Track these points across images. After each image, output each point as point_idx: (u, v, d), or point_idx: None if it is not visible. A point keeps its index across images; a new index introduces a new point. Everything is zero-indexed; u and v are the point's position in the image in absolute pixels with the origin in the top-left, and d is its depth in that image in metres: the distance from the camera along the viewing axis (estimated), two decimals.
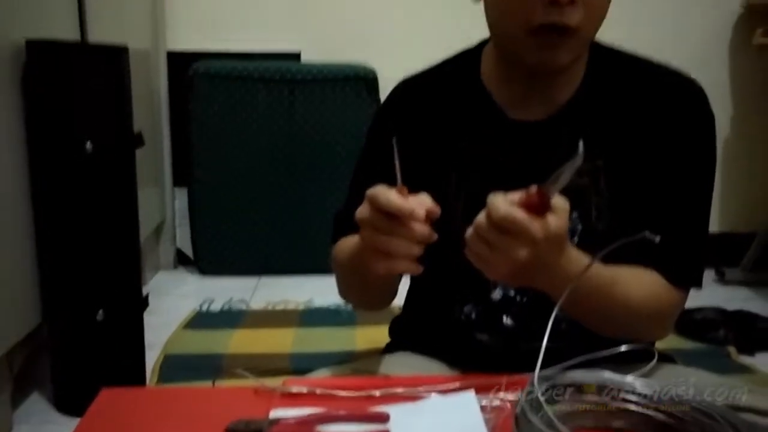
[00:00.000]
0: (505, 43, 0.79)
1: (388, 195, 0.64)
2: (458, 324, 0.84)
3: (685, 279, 0.80)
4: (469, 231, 0.65)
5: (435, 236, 0.66)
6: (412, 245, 0.65)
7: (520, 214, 0.60)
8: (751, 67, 2.46)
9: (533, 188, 0.60)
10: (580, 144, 0.56)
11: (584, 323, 0.76)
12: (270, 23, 2.46)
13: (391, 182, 0.66)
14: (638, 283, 0.76)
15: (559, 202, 0.62)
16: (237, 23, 2.45)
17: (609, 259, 0.74)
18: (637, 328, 0.78)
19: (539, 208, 0.60)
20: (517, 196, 0.62)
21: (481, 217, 0.63)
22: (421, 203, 0.65)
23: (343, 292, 0.90)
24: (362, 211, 0.67)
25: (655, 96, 0.80)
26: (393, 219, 0.64)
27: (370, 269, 0.68)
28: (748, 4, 2.37)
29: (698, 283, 0.82)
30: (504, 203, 0.61)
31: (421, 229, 0.65)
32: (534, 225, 0.60)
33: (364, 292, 0.87)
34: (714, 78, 2.45)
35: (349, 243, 0.81)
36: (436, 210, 0.67)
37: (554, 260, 0.65)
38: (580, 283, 0.67)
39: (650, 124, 0.80)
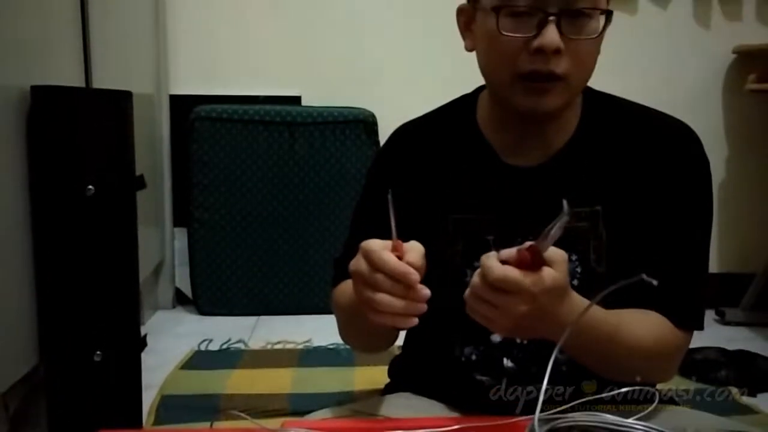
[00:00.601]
0: (495, 89, 0.82)
1: (383, 255, 0.65)
2: (458, 365, 0.84)
3: (689, 321, 0.81)
4: (468, 292, 0.66)
5: (428, 294, 0.66)
6: (406, 304, 0.65)
7: (514, 273, 0.62)
8: (744, 111, 2.50)
9: (525, 245, 0.62)
10: (564, 203, 0.59)
11: (591, 368, 0.76)
12: (271, 68, 2.50)
13: (388, 229, 0.66)
14: (643, 327, 0.77)
15: (556, 253, 0.63)
16: (238, 68, 2.49)
17: (612, 303, 0.75)
18: (643, 372, 0.78)
19: (533, 264, 0.62)
20: (510, 253, 0.63)
21: (476, 278, 0.65)
22: (415, 259, 0.65)
23: (343, 335, 0.91)
24: (356, 264, 0.67)
25: (650, 142, 0.82)
26: (387, 276, 0.64)
27: (369, 320, 0.68)
28: (740, 50, 2.42)
29: (701, 325, 0.83)
30: (497, 264, 0.63)
31: (416, 293, 0.65)
32: (529, 282, 0.62)
33: (365, 337, 0.88)
34: (708, 122, 2.49)
35: (349, 287, 0.81)
36: (423, 266, 0.67)
37: (555, 310, 0.65)
38: (585, 330, 0.68)
39: (646, 169, 0.81)
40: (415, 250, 0.66)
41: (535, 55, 0.72)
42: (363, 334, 0.86)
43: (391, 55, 2.48)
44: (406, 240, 0.67)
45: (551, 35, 0.71)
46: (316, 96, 2.48)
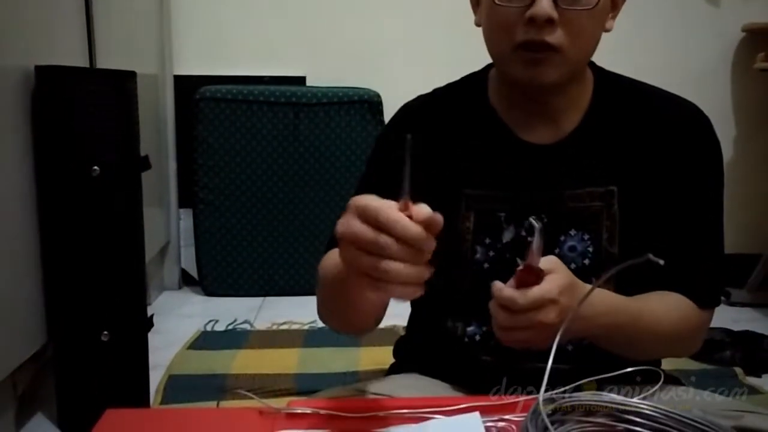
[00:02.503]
0: (497, 62, 0.83)
1: (391, 214, 0.54)
2: (462, 345, 0.84)
3: (710, 300, 0.83)
4: (498, 331, 0.67)
5: (433, 244, 0.55)
6: (418, 271, 0.54)
7: (533, 291, 0.64)
8: (753, 91, 2.47)
9: (520, 266, 0.64)
10: (533, 220, 0.62)
11: (616, 352, 0.77)
12: (276, 48, 2.49)
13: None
14: (666, 309, 0.78)
15: (549, 261, 0.66)
16: (243, 48, 2.48)
17: (629, 285, 0.77)
18: (668, 352, 0.81)
19: (536, 279, 0.64)
20: (510, 284, 0.65)
21: (500, 314, 0.66)
22: (430, 220, 0.55)
23: (323, 311, 0.84)
24: (350, 225, 0.55)
25: (663, 123, 0.82)
26: (397, 240, 0.54)
27: (358, 294, 0.61)
28: (749, 29, 2.39)
29: (719, 302, 0.85)
30: (515, 292, 0.64)
31: (423, 237, 0.54)
32: (545, 290, 0.64)
33: (349, 314, 0.78)
34: (717, 101, 2.47)
35: (334, 259, 0.67)
36: (439, 220, 0.55)
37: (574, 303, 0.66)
38: (608, 316, 0.70)
39: (659, 150, 0.81)
40: (424, 212, 0.55)
41: (529, 25, 0.74)
42: (347, 310, 0.75)
43: (395, 35, 2.46)
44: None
45: (543, 4, 0.72)
46: (321, 76, 2.46)
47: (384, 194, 0.58)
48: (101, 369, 1.47)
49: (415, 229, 0.53)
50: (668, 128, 0.82)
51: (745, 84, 2.47)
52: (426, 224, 0.54)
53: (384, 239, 0.53)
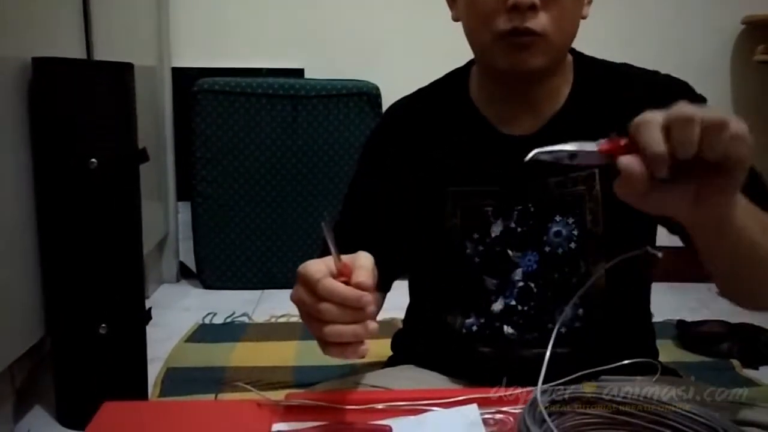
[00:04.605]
0: (479, 53, 0.82)
1: (327, 284, 0.59)
2: (459, 337, 0.85)
3: None
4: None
5: (375, 311, 0.61)
6: (357, 329, 0.59)
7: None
8: (753, 83, 2.47)
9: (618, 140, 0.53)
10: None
11: (744, 288, 0.69)
12: (274, 40, 2.48)
13: (384, 205, 0.62)
14: None
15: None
16: (241, 40, 2.47)
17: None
18: None
19: (626, 141, 0.53)
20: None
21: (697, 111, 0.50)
22: (365, 277, 0.60)
23: None
24: (297, 294, 0.63)
25: (640, 98, 0.81)
26: (335, 305, 0.59)
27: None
28: (748, 21, 2.39)
29: None
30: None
31: (368, 314, 0.59)
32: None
33: None
34: (717, 93, 2.46)
35: (290, 294, 0.70)
36: (375, 279, 0.61)
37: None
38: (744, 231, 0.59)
39: None
40: (363, 267, 0.61)
41: (512, 13, 0.74)
42: None
43: (394, 28, 2.45)
44: (393, 215, 0.60)
45: None
46: (319, 69, 2.46)
47: (373, 203, 0.60)
48: (99, 362, 1.47)
49: (349, 293, 0.59)
50: (647, 102, 0.81)
51: (745, 76, 2.46)
52: (363, 286, 0.59)
53: (324, 306, 0.59)
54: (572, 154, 0.54)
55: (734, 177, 0.53)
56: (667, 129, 0.50)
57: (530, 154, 0.55)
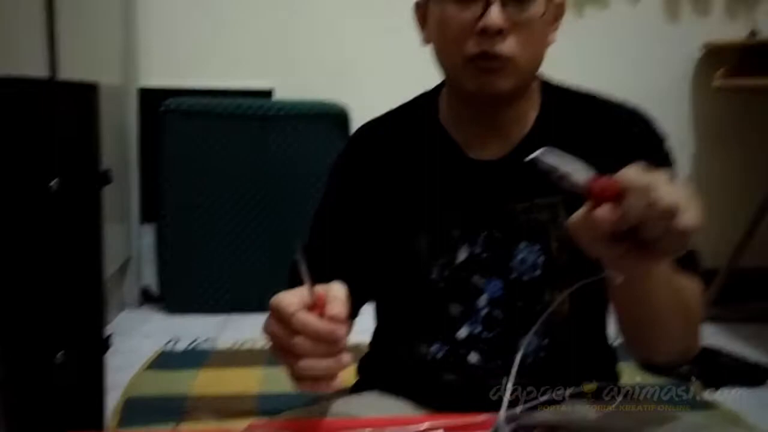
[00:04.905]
0: (449, 76, 0.83)
1: (300, 317, 0.58)
2: (424, 364, 0.84)
3: (697, 266, 0.83)
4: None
5: (344, 331, 0.60)
6: (330, 363, 0.59)
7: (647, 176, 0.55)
8: (712, 108, 2.54)
9: (590, 183, 0.56)
10: (535, 156, 0.58)
11: (650, 331, 0.74)
12: (243, 61, 2.47)
13: (352, 228, 0.62)
14: (689, 284, 0.78)
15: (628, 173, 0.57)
16: (210, 61, 2.46)
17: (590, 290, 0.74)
18: (694, 331, 0.80)
19: (616, 192, 0.55)
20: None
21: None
22: (339, 309, 0.59)
23: None
24: (270, 327, 0.61)
25: (605, 129, 0.84)
26: (308, 338, 0.58)
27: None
28: (708, 46, 2.46)
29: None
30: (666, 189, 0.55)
31: (341, 348, 0.59)
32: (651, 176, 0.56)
33: None
34: (677, 117, 2.53)
35: (263, 326, 0.68)
36: (347, 311, 0.60)
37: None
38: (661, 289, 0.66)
39: (603, 156, 0.81)
40: (337, 299, 0.60)
41: (481, 36, 0.75)
42: None
43: (363, 49, 2.47)
44: (357, 244, 0.61)
45: (494, 14, 0.74)
46: (288, 89, 2.46)
47: (341, 228, 0.60)
48: (55, 392, 1.42)
49: (324, 327, 0.58)
50: (610, 132, 0.83)
51: (705, 101, 2.53)
52: (337, 319, 0.59)
53: (297, 341, 0.58)
54: (561, 175, 0.56)
55: (659, 259, 0.58)
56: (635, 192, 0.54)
57: (537, 153, 0.57)
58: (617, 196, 0.55)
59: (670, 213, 0.54)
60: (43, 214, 1.38)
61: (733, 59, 2.32)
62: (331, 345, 0.58)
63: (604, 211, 0.54)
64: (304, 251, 0.59)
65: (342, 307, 0.59)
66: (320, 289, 0.61)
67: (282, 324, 0.60)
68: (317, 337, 0.58)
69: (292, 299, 0.60)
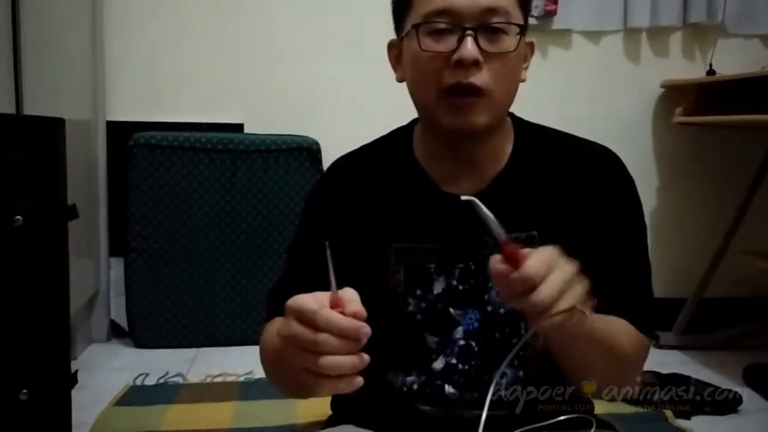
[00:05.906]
0: (424, 111, 0.85)
1: (325, 314, 0.59)
2: (400, 395, 0.84)
3: (650, 328, 0.85)
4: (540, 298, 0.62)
5: (368, 330, 0.61)
6: (354, 360, 0.59)
7: (541, 254, 0.62)
8: (672, 143, 2.62)
9: (505, 247, 0.62)
10: (466, 198, 0.62)
11: (580, 374, 0.78)
12: (214, 94, 2.47)
13: (322, 268, 0.63)
14: (626, 331, 0.80)
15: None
16: (179, 95, 2.45)
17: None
18: (627, 375, 0.82)
19: (519, 255, 0.62)
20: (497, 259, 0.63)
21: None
22: (358, 309, 0.60)
23: (271, 379, 0.86)
24: (290, 329, 0.61)
25: (578, 168, 0.86)
26: (334, 335, 0.59)
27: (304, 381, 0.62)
28: (667, 85, 2.55)
29: (655, 329, 0.89)
30: (538, 260, 0.62)
31: (357, 328, 0.59)
32: (549, 253, 0.63)
33: (298, 387, 0.78)
34: (639, 152, 2.60)
35: (277, 330, 0.70)
36: (365, 313, 0.61)
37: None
38: (586, 334, 0.70)
39: (575, 194, 0.85)
40: (354, 300, 0.61)
41: (456, 68, 0.77)
42: (297, 384, 0.73)
43: (334, 83, 2.49)
44: (339, 282, 0.62)
45: (468, 47, 0.76)
46: (259, 123, 2.46)
47: (316, 262, 0.64)
48: (18, 430, 1.37)
49: (350, 323, 0.59)
50: (582, 172, 0.86)
51: (665, 136, 2.61)
52: (359, 316, 0.60)
53: (323, 337, 0.58)
54: (486, 223, 0.61)
55: (536, 323, 0.63)
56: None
57: (469, 198, 0.61)
58: (516, 265, 0.61)
59: (538, 308, 0.60)
60: (7, 251, 1.36)
61: (692, 97, 2.41)
62: (355, 342, 0.59)
63: (498, 269, 0.61)
64: (287, 282, 0.60)
65: (360, 307, 0.60)
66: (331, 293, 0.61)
67: (305, 323, 0.60)
68: (342, 334, 0.58)
69: (311, 299, 0.60)
